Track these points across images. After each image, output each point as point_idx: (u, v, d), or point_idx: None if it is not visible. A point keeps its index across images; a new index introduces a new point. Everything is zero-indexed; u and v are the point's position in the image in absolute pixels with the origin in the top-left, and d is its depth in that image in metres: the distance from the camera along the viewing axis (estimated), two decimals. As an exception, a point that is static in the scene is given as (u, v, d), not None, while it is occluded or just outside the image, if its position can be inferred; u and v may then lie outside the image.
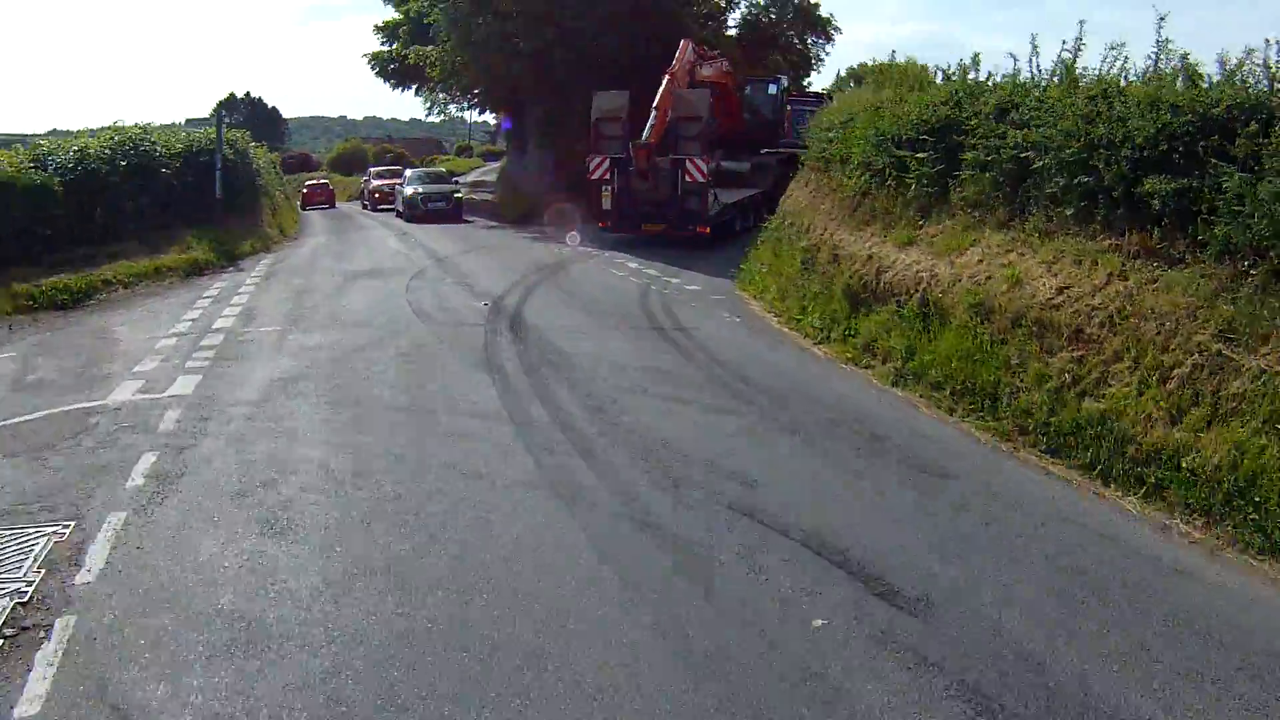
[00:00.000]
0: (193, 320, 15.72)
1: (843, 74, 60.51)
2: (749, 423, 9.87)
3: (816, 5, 46.32)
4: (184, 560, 6.62)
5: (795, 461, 8.76)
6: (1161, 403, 8.39)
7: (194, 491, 7.90)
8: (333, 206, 52.61)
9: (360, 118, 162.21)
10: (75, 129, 25.61)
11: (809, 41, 47.52)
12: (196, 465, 8.52)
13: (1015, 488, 8.24)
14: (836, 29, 47.50)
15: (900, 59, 18.80)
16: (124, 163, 22.72)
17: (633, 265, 21.65)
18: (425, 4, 38.12)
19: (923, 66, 17.23)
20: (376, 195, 46.18)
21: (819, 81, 46.98)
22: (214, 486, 8.00)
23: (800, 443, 9.26)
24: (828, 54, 49.30)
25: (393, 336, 13.82)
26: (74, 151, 21.67)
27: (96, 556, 6.70)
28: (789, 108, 32.45)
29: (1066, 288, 10.17)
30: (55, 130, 27.47)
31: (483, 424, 9.62)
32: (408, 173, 43.30)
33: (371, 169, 56.28)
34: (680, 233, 24.33)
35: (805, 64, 47.68)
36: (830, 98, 33.70)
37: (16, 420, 10.21)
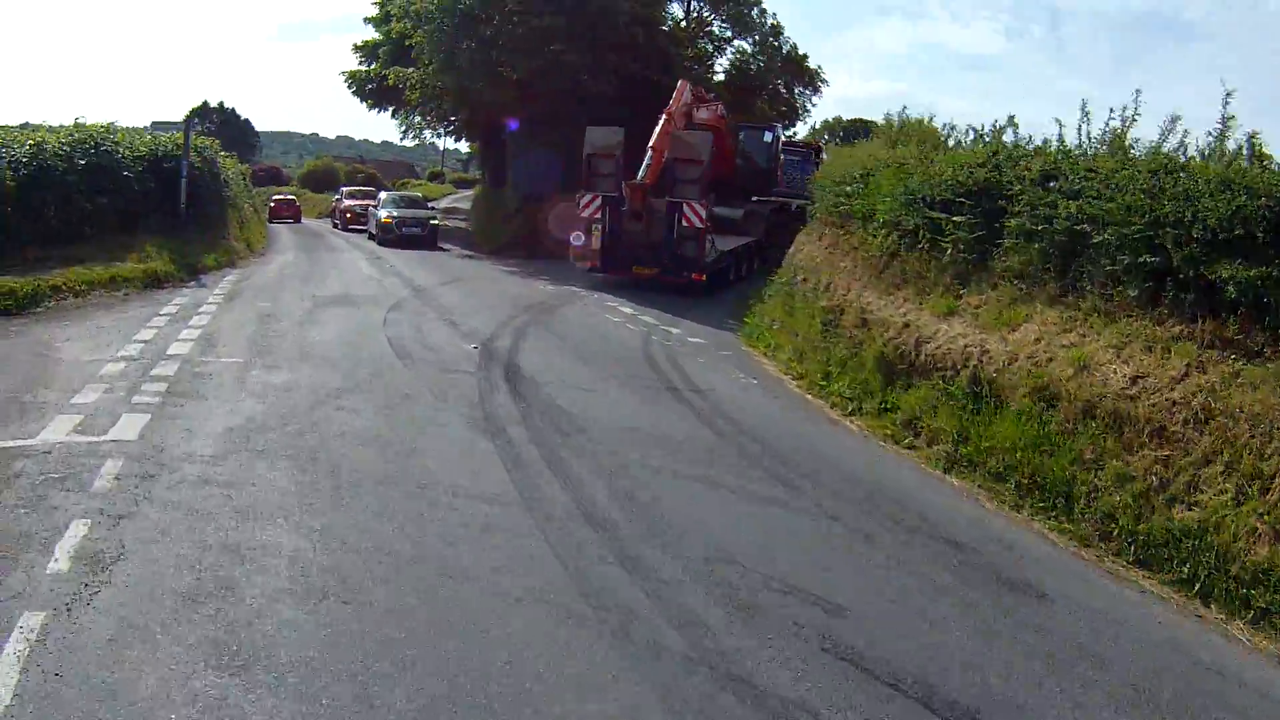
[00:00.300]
0: (145, 342, 13.97)
1: (818, 126, 60.60)
2: (804, 519, 8.41)
3: (805, 56, 46.35)
4: (116, 704, 4.92)
5: (873, 577, 7.30)
6: (1265, 516, 7.36)
7: (132, 586, 6.22)
8: (299, 222, 52.35)
9: (333, 136, 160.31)
10: (51, 125, 24.11)
11: (796, 91, 47.26)
12: (136, 545, 6.81)
13: (1115, 610, 7.16)
14: (824, 81, 47.78)
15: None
16: (83, 161, 21.16)
17: (626, 310, 20.09)
18: (408, 25, 36.65)
19: (950, 127, 16.28)
20: (348, 215, 44.78)
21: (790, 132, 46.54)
22: (157, 581, 6.31)
23: (871, 549, 7.83)
24: (814, 105, 49.76)
25: (372, 381, 12.15)
26: (29, 145, 20.09)
27: (1, 686, 5.06)
28: (782, 156, 31.52)
29: (1141, 377, 9.05)
30: (28, 124, 25.84)
31: (493, 511, 7.95)
32: (381, 195, 41.96)
33: (343, 188, 55.49)
34: (674, 279, 22.88)
35: (792, 113, 47.50)
36: (821, 149, 33.13)
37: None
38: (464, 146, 66.24)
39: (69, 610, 5.84)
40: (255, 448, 9.15)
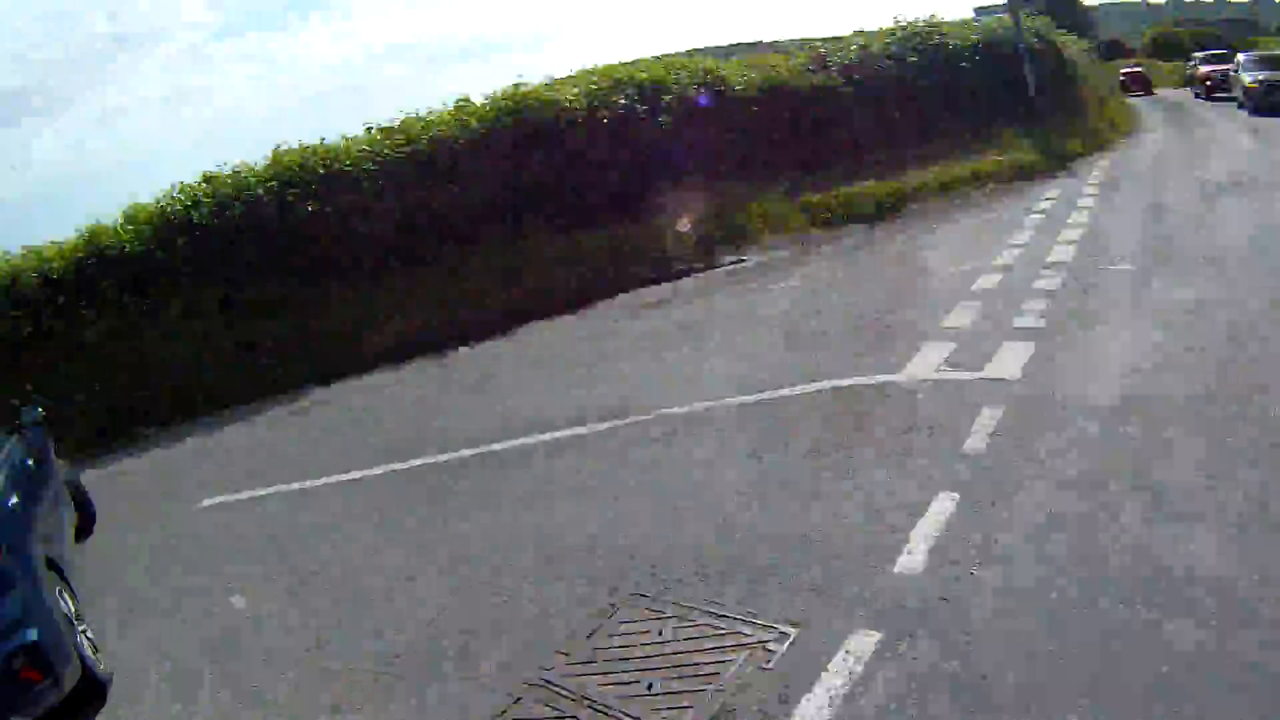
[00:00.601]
0: (1020, 247, 12.34)
1: None
2: None
3: None
4: None
5: None
6: None
7: (987, 620, 4.34)
8: (1150, 94, 49.01)
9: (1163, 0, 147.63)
10: (871, 29, 25.78)
11: None
12: (1013, 547, 4.89)
13: None
14: None
15: None
16: (913, 58, 22.66)
17: None
18: None
19: None
20: (1208, 83, 39.56)
21: None
22: (1048, 624, 4.25)
23: None
24: None
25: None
26: (854, 48, 22.52)
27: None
28: None
29: None
30: (859, 31, 26.50)
31: None
32: (1240, 58, 36.20)
33: (1196, 54, 50.09)
34: None
35: None
36: None
37: (776, 394, 7.83)
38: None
39: (910, 640, 4.27)
40: (1159, 411, 6.42)
